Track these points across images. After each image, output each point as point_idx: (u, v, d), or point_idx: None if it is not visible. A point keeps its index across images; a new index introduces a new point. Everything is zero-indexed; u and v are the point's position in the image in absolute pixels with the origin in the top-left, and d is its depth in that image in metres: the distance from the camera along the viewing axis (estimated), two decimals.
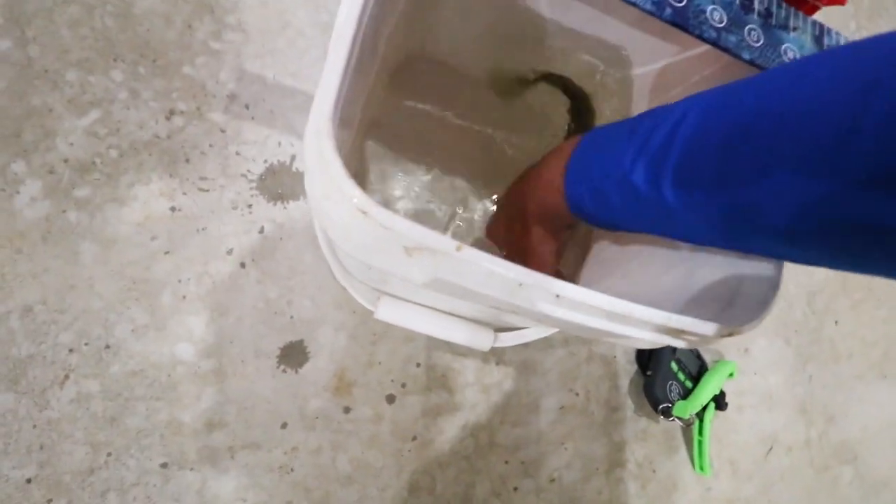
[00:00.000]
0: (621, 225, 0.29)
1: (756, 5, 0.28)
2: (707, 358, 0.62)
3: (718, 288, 0.28)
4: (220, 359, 0.46)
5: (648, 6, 0.26)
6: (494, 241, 0.42)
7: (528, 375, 0.55)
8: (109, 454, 0.42)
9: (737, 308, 0.26)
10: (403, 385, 0.50)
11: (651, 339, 0.25)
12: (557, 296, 0.23)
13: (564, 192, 0.30)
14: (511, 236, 0.38)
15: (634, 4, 0.26)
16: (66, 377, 0.42)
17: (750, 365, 0.65)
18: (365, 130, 0.49)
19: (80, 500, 0.41)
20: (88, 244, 0.44)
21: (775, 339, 0.67)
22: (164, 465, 0.43)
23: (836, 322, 0.71)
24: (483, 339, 0.43)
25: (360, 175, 0.48)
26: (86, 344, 0.43)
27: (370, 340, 0.50)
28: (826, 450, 0.67)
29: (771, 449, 0.64)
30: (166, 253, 0.46)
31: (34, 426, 0.41)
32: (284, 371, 0.47)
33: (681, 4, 0.27)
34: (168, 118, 0.48)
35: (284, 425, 0.46)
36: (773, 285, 0.25)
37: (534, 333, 0.43)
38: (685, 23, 0.26)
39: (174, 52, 0.49)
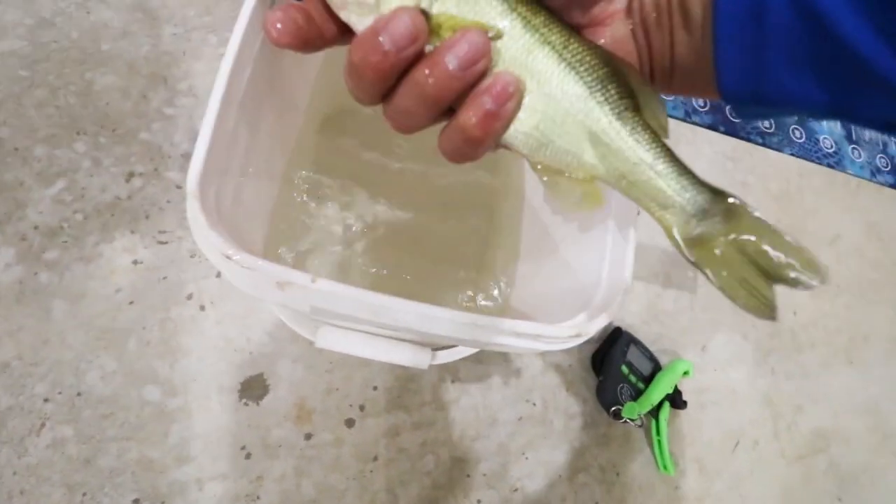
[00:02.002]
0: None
1: None
2: (664, 359, 0.64)
3: (579, 295, 0.31)
4: (185, 397, 0.49)
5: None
6: None
7: (484, 390, 0.57)
8: (84, 494, 0.45)
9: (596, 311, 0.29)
10: (362, 408, 0.53)
11: (519, 345, 0.28)
12: (422, 315, 0.26)
13: None
14: None
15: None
16: (43, 425, 0.46)
17: (708, 362, 0.67)
18: (298, 169, 0.53)
19: None
20: (59, 301, 0.49)
21: (732, 335, 0.69)
22: (136, 501, 0.46)
23: (794, 313, 0.72)
24: (421, 358, 0.46)
25: (291, 212, 0.52)
26: (59, 393, 0.47)
27: (326, 369, 0.53)
28: (797, 440, 0.68)
29: (738, 444, 0.65)
30: (130, 303, 0.50)
31: (14, 473, 0.44)
32: (246, 404, 0.50)
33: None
34: (128, 180, 0.53)
35: (249, 455, 0.49)
36: (621, 290, 0.28)
37: (467, 350, 0.46)
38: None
39: (132, 121, 0.55)
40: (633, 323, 0.65)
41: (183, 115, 0.56)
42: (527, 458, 0.57)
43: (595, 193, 0.20)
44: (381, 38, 0.17)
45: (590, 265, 0.31)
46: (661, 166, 0.20)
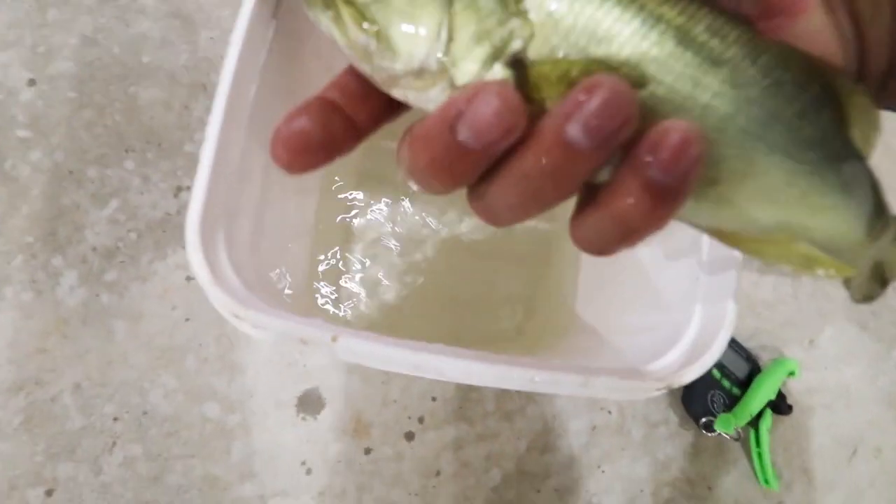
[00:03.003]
0: None
1: None
2: (763, 358, 0.56)
3: (664, 326, 0.25)
4: (243, 413, 0.49)
5: None
6: None
7: (551, 397, 0.53)
8: None
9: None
10: (421, 420, 0.51)
11: (590, 395, 0.23)
12: (469, 372, 0.22)
13: None
14: None
15: None
16: (114, 444, 0.47)
17: (817, 359, 0.58)
18: (357, 181, 0.50)
19: None
20: (120, 322, 0.49)
21: (847, 326, 0.59)
22: None
23: None
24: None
25: (350, 226, 0.49)
26: (127, 412, 0.48)
27: (382, 380, 0.51)
28: None
29: (855, 452, 0.56)
30: (187, 320, 0.50)
31: (92, 490, 0.46)
32: (304, 419, 0.49)
33: None
34: (176, 195, 0.52)
35: (309, 471, 0.48)
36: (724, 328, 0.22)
37: None
38: None
39: (176, 134, 0.54)
40: None
41: None
42: (603, 472, 0.52)
43: (820, 258, 0.14)
44: (458, 134, 0.12)
45: (677, 287, 0.25)
46: (880, 227, 0.14)
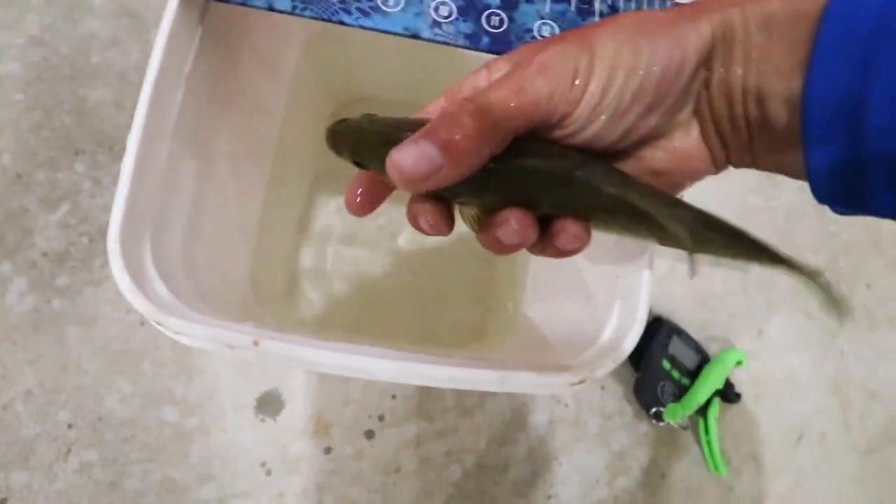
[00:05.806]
0: None
1: (597, 5, 0.26)
2: (713, 349, 0.58)
3: (589, 327, 0.26)
4: (201, 416, 0.49)
5: (461, 41, 0.25)
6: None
7: (510, 393, 0.54)
8: None
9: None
10: (381, 418, 0.51)
11: (514, 391, 0.24)
12: (395, 371, 0.23)
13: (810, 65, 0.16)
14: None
15: (446, 43, 0.25)
16: (69, 451, 0.47)
17: (765, 348, 0.60)
18: (312, 181, 0.50)
19: None
20: (73, 327, 0.49)
21: (794, 315, 0.61)
22: None
23: (868, 285, 0.64)
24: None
25: (309, 223, 0.49)
26: (81, 418, 0.47)
27: (342, 379, 0.51)
28: (871, 431, 0.60)
29: (801, 437, 0.59)
30: (142, 324, 0.49)
31: (47, 498, 0.46)
32: (263, 420, 0.49)
33: (500, 30, 0.25)
34: None
35: (269, 472, 0.49)
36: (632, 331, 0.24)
37: None
38: (509, 49, 0.25)
39: (127, 135, 0.53)
40: (676, 309, 0.59)
41: None
42: (560, 464, 0.53)
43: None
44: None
45: (601, 285, 0.26)
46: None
